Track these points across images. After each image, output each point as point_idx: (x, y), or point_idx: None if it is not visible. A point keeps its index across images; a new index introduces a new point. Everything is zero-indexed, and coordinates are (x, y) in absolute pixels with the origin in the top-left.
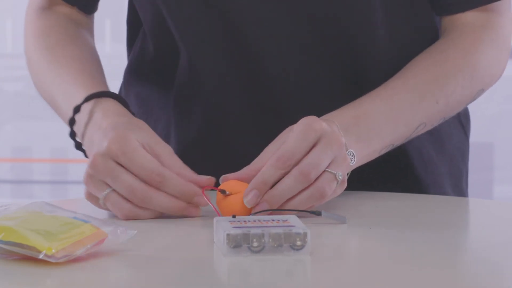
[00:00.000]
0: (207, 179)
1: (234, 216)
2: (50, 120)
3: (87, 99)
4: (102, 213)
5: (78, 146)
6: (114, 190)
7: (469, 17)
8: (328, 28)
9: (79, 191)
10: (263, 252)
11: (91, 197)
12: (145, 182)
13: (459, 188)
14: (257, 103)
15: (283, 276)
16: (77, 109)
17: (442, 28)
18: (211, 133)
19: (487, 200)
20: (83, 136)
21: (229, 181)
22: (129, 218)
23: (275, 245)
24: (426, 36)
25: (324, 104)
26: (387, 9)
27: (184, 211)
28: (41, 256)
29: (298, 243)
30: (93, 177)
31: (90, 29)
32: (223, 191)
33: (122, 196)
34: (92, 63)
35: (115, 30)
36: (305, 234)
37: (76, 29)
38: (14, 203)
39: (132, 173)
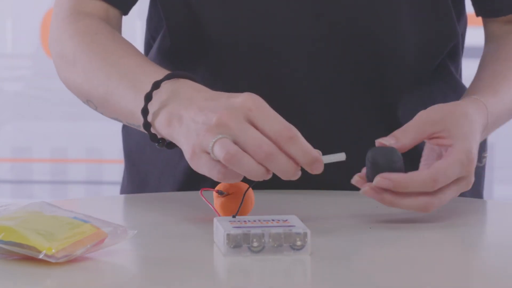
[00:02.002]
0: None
1: (234, 216)
2: (50, 120)
3: (168, 77)
4: (102, 213)
5: (148, 126)
6: (226, 137)
7: None
8: (353, 32)
9: (79, 191)
10: (263, 252)
11: (197, 152)
12: (274, 138)
13: (478, 192)
14: (277, 106)
15: (283, 276)
16: (156, 85)
17: (494, 28)
18: None
19: (489, 200)
20: (158, 113)
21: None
22: (231, 161)
23: (275, 245)
24: (448, 42)
25: (346, 107)
26: (413, 14)
27: (295, 175)
28: (41, 256)
29: (298, 243)
30: (214, 129)
31: (120, 32)
32: (220, 192)
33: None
34: (145, 57)
35: None
36: (305, 234)
37: (114, 30)
38: (14, 203)
39: (261, 129)
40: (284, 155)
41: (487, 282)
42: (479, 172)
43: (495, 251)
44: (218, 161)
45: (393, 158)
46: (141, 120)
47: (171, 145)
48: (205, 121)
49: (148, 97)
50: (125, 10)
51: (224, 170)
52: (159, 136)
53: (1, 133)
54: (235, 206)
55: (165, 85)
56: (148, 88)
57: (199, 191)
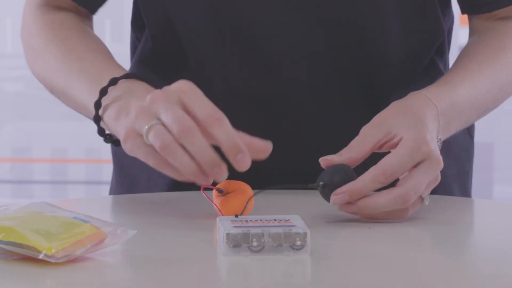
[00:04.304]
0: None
1: (236, 216)
2: (50, 120)
3: (127, 76)
4: (102, 213)
5: (98, 119)
6: (161, 124)
7: (506, 11)
8: (341, 32)
9: (79, 191)
10: (263, 251)
11: (131, 135)
12: (202, 118)
13: (465, 189)
14: (268, 108)
15: (283, 276)
16: (113, 82)
17: (476, 24)
18: None
19: (491, 200)
20: (108, 106)
21: (225, 181)
22: (167, 150)
23: (275, 245)
24: (435, 40)
25: (337, 107)
26: (400, 12)
27: (214, 162)
28: (41, 256)
29: (298, 243)
30: (146, 110)
31: (91, 27)
32: (220, 190)
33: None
34: (109, 54)
35: (115, 30)
36: (305, 234)
37: (82, 24)
38: (14, 203)
39: (191, 110)
40: (201, 135)
41: (487, 279)
42: (466, 171)
43: (487, 249)
44: (154, 148)
45: (347, 172)
46: (93, 113)
47: (118, 142)
48: (140, 103)
49: (103, 92)
50: (91, 10)
51: (160, 158)
52: (107, 132)
53: (1, 133)
54: (234, 204)
55: (122, 83)
56: (105, 83)
57: (200, 189)
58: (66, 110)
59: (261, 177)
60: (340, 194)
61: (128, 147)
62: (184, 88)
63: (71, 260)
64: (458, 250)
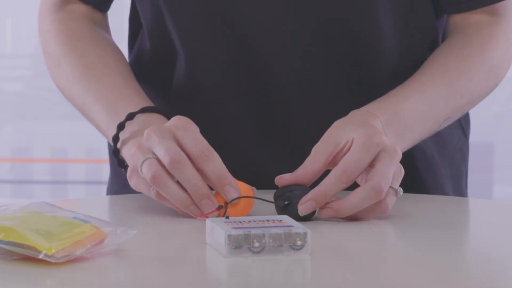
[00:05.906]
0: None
1: (227, 217)
2: (50, 120)
3: (143, 111)
4: (102, 213)
5: (116, 152)
6: (154, 157)
7: (481, 14)
8: (333, 29)
9: (79, 191)
10: (263, 252)
11: (134, 172)
12: (193, 154)
13: (459, 189)
14: (259, 106)
15: (283, 276)
16: (131, 116)
17: (451, 26)
18: (211, 136)
19: (488, 200)
20: (126, 142)
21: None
22: (156, 181)
23: (276, 245)
24: (428, 37)
25: (328, 104)
26: (391, 9)
27: (203, 189)
28: (41, 256)
29: (298, 243)
30: (142, 146)
31: (107, 27)
32: (219, 207)
33: (160, 162)
34: (127, 71)
35: (115, 30)
36: (305, 234)
37: (99, 30)
38: (14, 203)
39: (183, 146)
40: (192, 166)
41: (486, 279)
42: (460, 171)
43: (485, 249)
44: None
45: (300, 188)
46: (111, 140)
47: None
48: (141, 139)
49: (121, 126)
50: (103, 9)
51: (156, 192)
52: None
53: (1, 133)
54: (239, 207)
55: (139, 117)
56: (122, 115)
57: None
58: (66, 110)
59: (259, 177)
60: (306, 202)
61: (132, 184)
62: (178, 124)
63: (71, 260)
64: (458, 250)
